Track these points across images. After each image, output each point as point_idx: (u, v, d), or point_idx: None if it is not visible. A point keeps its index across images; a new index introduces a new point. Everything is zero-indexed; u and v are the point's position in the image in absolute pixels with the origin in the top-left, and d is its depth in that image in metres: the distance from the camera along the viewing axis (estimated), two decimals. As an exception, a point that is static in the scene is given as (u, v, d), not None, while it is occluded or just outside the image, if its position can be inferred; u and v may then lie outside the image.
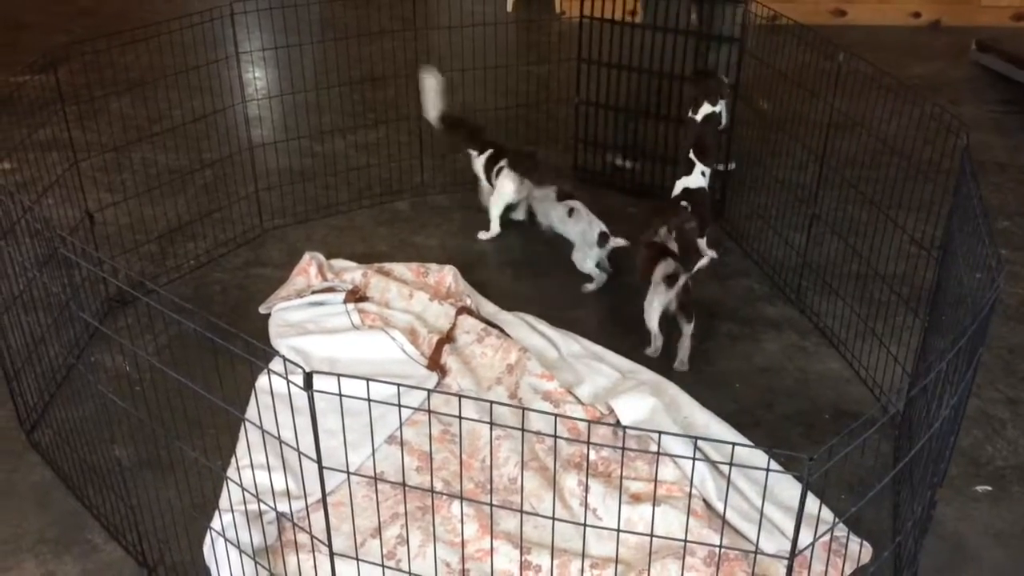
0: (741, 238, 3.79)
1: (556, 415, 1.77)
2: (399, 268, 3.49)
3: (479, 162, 3.88)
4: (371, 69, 4.43)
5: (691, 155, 3.53)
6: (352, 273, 3.38)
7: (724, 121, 3.61)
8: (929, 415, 2.25)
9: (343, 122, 4.46)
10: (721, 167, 3.79)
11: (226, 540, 2.12)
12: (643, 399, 2.72)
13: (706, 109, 3.55)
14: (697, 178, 3.51)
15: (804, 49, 3.27)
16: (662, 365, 3.01)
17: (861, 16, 6.48)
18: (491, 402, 1.72)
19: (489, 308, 3.29)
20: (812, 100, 3.28)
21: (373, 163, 4.26)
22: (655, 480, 2.11)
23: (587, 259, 3.45)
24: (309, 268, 3.39)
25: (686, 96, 3.70)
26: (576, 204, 3.49)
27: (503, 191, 3.77)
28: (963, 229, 2.28)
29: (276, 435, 1.84)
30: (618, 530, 1.84)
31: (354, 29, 4.11)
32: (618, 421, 2.70)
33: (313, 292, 3.24)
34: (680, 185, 3.53)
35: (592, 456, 2.57)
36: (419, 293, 3.28)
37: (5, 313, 2.64)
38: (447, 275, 3.38)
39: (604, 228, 3.42)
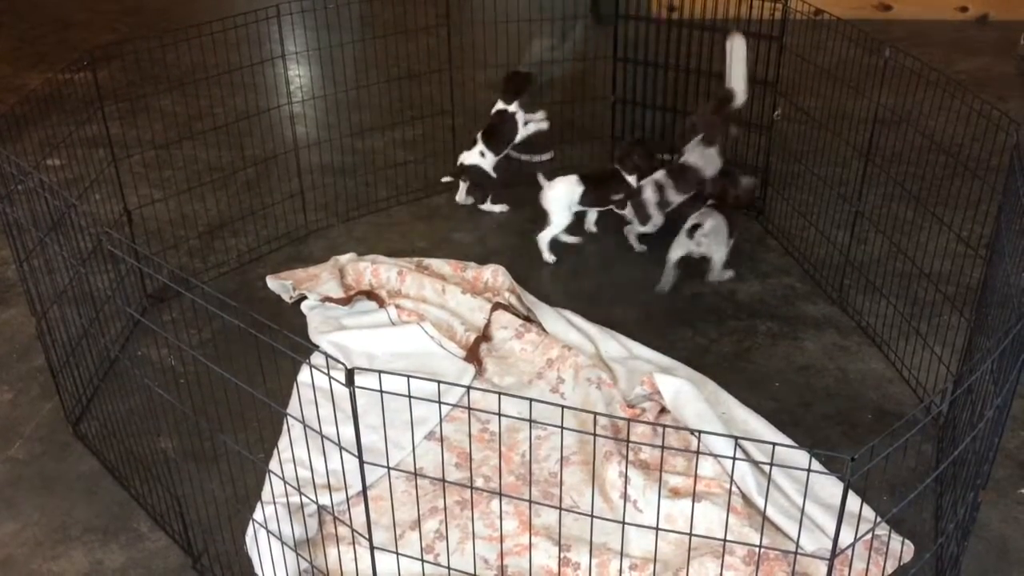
0: (782, 235, 3.75)
1: (595, 413, 1.77)
2: (437, 263, 3.51)
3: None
4: (409, 66, 4.46)
5: (479, 136, 3.97)
6: (388, 272, 3.40)
7: (521, 123, 4.01)
8: (973, 416, 2.22)
9: (382, 119, 4.50)
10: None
11: (268, 531, 2.15)
12: (684, 380, 2.74)
13: (499, 105, 3.99)
14: (475, 155, 3.93)
15: (847, 45, 3.23)
16: (700, 362, 3.00)
17: (906, 10, 6.38)
18: (530, 400, 1.73)
19: (528, 298, 3.30)
20: (856, 96, 3.24)
21: (411, 159, 4.29)
22: (695, 476, 2.11)
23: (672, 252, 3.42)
24: (320, 274, 3.42)
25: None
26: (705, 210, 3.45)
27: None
28: (1011, 228, 2.24)
29: (317, 429, 1.87)
30: (657, 528, 1.84)
31: (392, 26, 4.14)
32: (662, 409, 2.70)
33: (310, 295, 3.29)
34: (461, 158, 3.96)
35: (630, 456, 2.57)
36: (452, 287, 3.30)
37: (51, 308, 2.70)
38: (485, 272, 3.40)
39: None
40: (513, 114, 3.99)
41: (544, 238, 3.65)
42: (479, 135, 3.98)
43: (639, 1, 4.03)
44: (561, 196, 3.61)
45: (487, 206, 4.01)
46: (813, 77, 3.52)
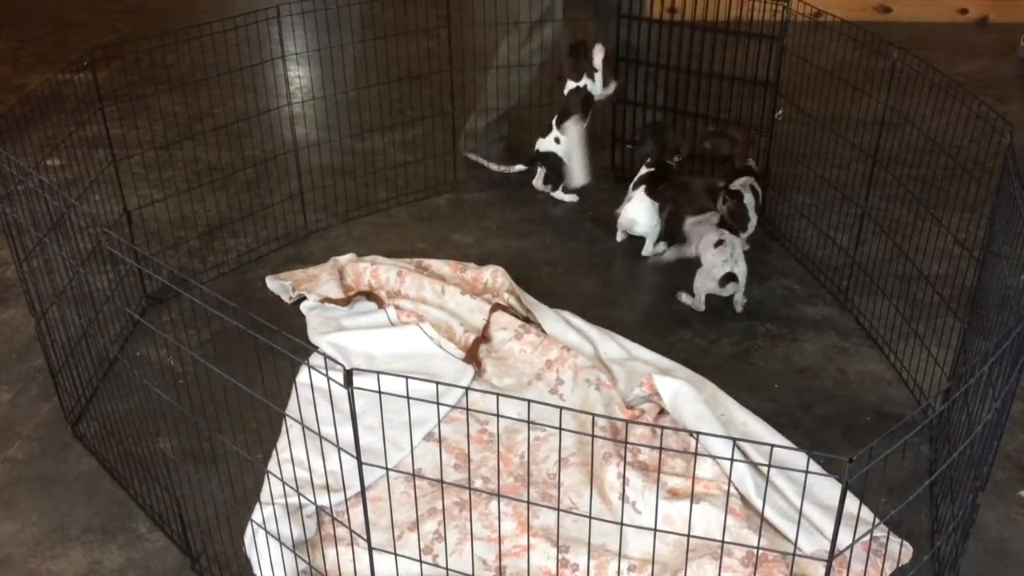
0: (782, 237, 3.76)
1: (594, 415, 1.78)
2: (437, 264, 3.51)
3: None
4: (409, 67, 4.46)
5: (554, 120, 3.96)
6: (388, 272, 3.41)
7: (597, 93, 3.99)
8: (970, 419, 2.22)
9: (382, 120, 4.50)
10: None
11: (267, 532, 2.15)
12: (683, 382, 2.74)
13: (570, 85, 3.96)
14: (549, 142, 3.95)
15: (848, 46, 3.23)
16: (699, 364, 3.00)
17: (906, 12, 6.38)
18: (528, 400, 1.73)
19: (528, 299, 3.30)
20: (857, 98, 3.24)
21: (411, 160, 4.29)
22: (693, 477, 2.11)
23: (702, 289, 3.31)
24: (320, 275, 3.42)
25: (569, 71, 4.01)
26: (727, 237, 3.33)
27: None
28: (1007, 229, 2.25)
29: (316, 430, 1.87)
30: (655, 530, 1.84)
31: (392, 27, 4.14)
32: (661, 411, 2.70)
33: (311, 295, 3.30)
34: (537, 145, 3.99)
35: (629, 458, 2.57)
36: (451, 288, 3.30)
37: (50, 308, 2.70)
38: (485, 272, 3.40)
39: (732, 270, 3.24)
40: (584, 87, 3.96)
41: (648, 251, 3.66)
42: (554, 120, 3.97)
43: (641, 2, 4.02)
44: (638, 211, 3.65)
45: (558, 194, 4.05)
46: (814, 79, 3.53)
